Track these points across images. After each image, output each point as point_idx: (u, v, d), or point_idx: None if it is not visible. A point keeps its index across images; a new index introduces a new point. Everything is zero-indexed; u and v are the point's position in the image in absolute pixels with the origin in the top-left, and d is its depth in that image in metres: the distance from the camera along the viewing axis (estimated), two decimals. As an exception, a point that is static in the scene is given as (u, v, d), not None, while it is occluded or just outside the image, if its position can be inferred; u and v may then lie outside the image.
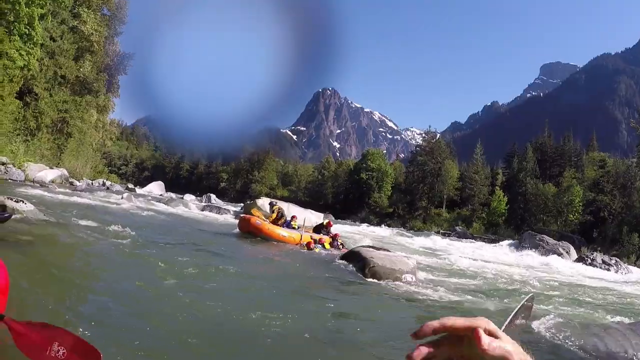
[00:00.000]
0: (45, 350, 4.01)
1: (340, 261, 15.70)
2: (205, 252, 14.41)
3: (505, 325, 3.38)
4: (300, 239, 21.21)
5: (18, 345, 4.18)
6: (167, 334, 6.01)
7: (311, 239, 21.39)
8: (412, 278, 14.68)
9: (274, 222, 22.40)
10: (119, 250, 11.50)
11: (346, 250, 18.27)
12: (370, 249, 16.17)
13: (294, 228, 22.78)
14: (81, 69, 52.50)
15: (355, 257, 15.38)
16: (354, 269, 14.63)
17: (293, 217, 24.07)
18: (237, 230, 22.55)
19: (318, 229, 23.72)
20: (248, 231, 21.47)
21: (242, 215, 24.47)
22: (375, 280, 13.65)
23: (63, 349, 3.97)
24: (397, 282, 13.70)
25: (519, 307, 3.63)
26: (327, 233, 22.90)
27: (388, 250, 17.04)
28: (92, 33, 52.22)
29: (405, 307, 10.94)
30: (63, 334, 4.08)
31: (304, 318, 8.01)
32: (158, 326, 6.15)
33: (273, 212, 23.34)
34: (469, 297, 12.71)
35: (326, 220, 25.00)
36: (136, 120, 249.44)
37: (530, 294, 3.74)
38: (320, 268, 15.06)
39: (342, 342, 6.87)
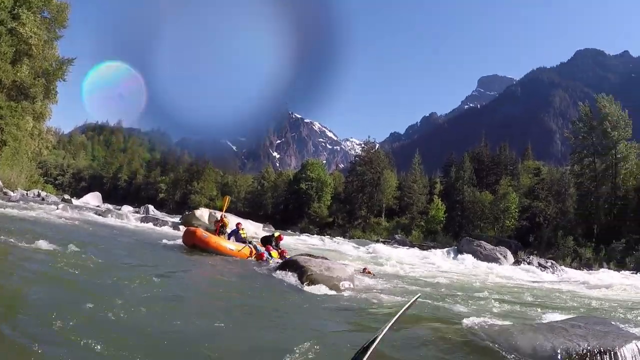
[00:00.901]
0: None
1: (278, 271, 15.63)
2: (138, 265, 14.08)
3: (389, 325, 3.48)
4: (250, 254, 20.56)
5: None
6: (94, 347, 5.97)
7: (262, 251, 20.62)
8: (349, 285, 14.82)
9: (219, 232, 21.98)
10: (47, 264, 11.17)
11: None
12: (308, 258, 16.24)
13: (243, 239, 21.95)
14: (18, 73, 51.11)
15: (292, 266, 15.44)
16: (292, 277, 14.68)
17: (238, 224, 23.50)
18: (179, 242, 21.93)
19: (267, 241, 22.31)
20: (193, 244, 20.30)
21: (187, 227, 23.33)
22: (312, 288, 13.71)
23: None
24: (334, 290, 13.82)
25: (406, 307, 3.69)
26: (277, 247, 22.04)
27: (326, 259, 17.17)
28: (31, 36, 50.81)
29: (341, 315, 10.94)
30: None
31: (240, 329, 8.04)
32: (85, 340, 6.09)
33: (217, 221, 23.02)
34: (402, 300, 12.85)
35: (277, 233, 24.06)
36: (74, 128, 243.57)
37: (418, 294, 3.86)
38: (257, 278, 15.13)
39: (277, 352, 6.90)
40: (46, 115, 59.96)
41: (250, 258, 20.28)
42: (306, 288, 13.74)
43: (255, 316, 9.86)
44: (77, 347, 5.76)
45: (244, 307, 10.57)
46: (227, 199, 26.51)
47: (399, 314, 3.42)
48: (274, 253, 21.02)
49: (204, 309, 9.57)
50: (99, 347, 5.78)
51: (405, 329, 9.12)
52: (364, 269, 20.49)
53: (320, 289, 13.74)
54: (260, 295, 12.38)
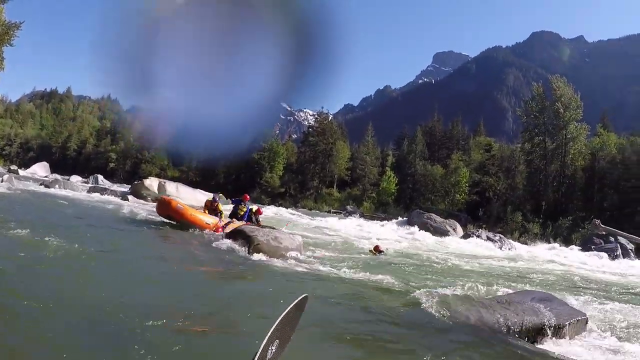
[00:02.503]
0: None
1: (225, 240, 15.28)
2: (82, 235, 13.69)
3: (270, 332, 3.14)
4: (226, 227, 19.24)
5: None
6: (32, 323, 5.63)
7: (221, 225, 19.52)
8: (297, 255, 14.82)
9: (213, 212, 20.89)
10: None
11: None
12: (255, 228, 16.08)
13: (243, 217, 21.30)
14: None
15: (239, 236, 15.16)
16: (239, 247, 14.43)
17: (258, 210, 22.81)
18: (125, 212, 22.09)
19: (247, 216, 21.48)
20: (167, 215, 19.83)
21: (162, 197, 22.61)
22: (260, 258, 13.61)
23: None
24: (281, 260, 13.76)
25: (287, 310, 3.44)
26: (257, 221, 21.22)
27: (273, 228, 16.91)
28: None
29: (286, 284, 10.88)
30: None
31: (186, 299, 7.84)
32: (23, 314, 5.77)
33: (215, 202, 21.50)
34: (350, 271, 12.94)
35: (255, 207, 23.32)
36: (22, 96, 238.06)
37: (304, 295, 3.65)
38: (204, 247, 14.86)
39: (222, 322, 6.68)
40: (-10, 83, 58.37)
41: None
42: (252, 257, 13.64)
43: (193, 284, 9.63)
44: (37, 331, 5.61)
45: (182, 276, 10.34)
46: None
47: (277, 321, 3.08)
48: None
49: (154, 280, 9.32)
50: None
51: (359, 299, 8.98)
52: (376, 247, 19.80)
53: (267, 259, 13.63)
54: (203, 264, 12.27)
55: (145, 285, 8.65)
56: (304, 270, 12.53)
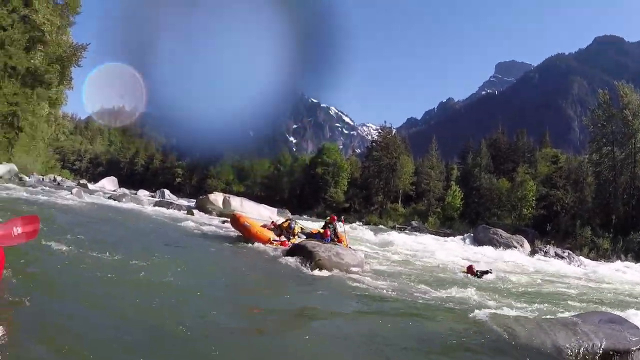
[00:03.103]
0: (10, 235, 6.43)
1: (286, 257, 15.26)
2: (146, 247, 13.92)
3: None
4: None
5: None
6: (110, 331, 5.81)
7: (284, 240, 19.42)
8: (359, 271, 14.68)
9: (282, 232, 20.43)
10: (52, 246, 11.05)
11: None
12: (317, 243, 16.02)
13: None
14: (32, 60, 51.28)
15: (301, 251, 15.15)
16: (300, 263, 14.40)
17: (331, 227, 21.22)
18: (190, 225, 22.81)
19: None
20: (237, 229, 20.52)
21: (233, 214, 22.71)
22: (320, 274, 13.60)
23: (19, 228, 6.56)
24: (343, 275, 13.69)
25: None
26: (335, 235, 20.26)
27: (336, 244, 16.96)
28: (44, 22, 50.99)
29: (346, 301, 10.81)
30: (14, 221, 6.66)
31: (246, 313, 7.94)
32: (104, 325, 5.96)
33: (284, 224, 21.65)
34: (414, 289, 12.72)
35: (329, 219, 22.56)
36: (90, 114, 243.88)
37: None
38: (265, 264, 14.86)
39: (282, 336, 6.75)
40: (62, 101, 60.14)
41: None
42: (313, 273, 13.60)
43: (261, 299, 9.78)
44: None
45: (243, 291, 10.46)
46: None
47: None
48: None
49: (214, 294, 9.36)
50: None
51: (418, 318, 8.96)
52: (470, 266, 18.78)
53: (327, 274, 13.65)
54: (268, 280, 12.31)
55: (203, 295, 8.70)
56: (364, 286, 12.37)
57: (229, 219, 23.19)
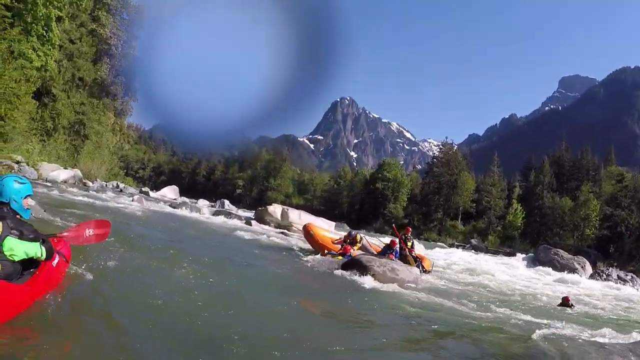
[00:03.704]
0: (82, 236, 7.13)
1: (342, 270, 15.13)
2: (199, 257, 13.93)
3: None
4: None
5: (72, 243, 7.06)
6: (166, 336, 5.86)
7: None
8: (414, 287, 14.52)
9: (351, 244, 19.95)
10: (109, 248, 11.26)
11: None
12: (372, 257, 15.93)
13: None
14: (99, 72, 52.79)
15: (356, 266, 15.02)
16: (355, 277, 14.25)
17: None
18: (246, 236, 22.91)
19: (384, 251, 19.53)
20: (308, 239, 21.65)
21: (305, 224, 23.35)
22: (374, 288, 13.41)
23: (91, 230, 7.19)
24: (397, 291, 13.48)
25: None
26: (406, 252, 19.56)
27: (391, 259, 16.85)
28: (110, 36, 52.55)
29: (400, 317, 10.67)
30: (88, 223, 7.35)
31: (300, 323, 7.89)
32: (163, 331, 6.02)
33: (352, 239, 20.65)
34: (470, 309, 12.42)
35: (390, 240, 21.27)
36: (154, 125, 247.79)
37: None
38: (320, 277, 14.79)
39: (334, 348, 6.68)
40: (127, 112, 61.74)
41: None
42: (367, 287, 13.39)
43: (316, 312, 9.74)
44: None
45: (300, 304, 10.39)
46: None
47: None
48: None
49: (271, 305, 9.35)
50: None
51: (474, 338, 8.82)
52: (565, 298, 17.02)
53: (380, 289, 13.46)
54: (323, 294, 12.20)
55: (254, 303, 8.72)
56: (417, 302, 12.20)
57: (287, 230, 23.71)
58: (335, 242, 20.59)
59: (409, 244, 19.81)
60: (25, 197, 5.92)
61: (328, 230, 24.60)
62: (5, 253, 5.41)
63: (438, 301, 12.79)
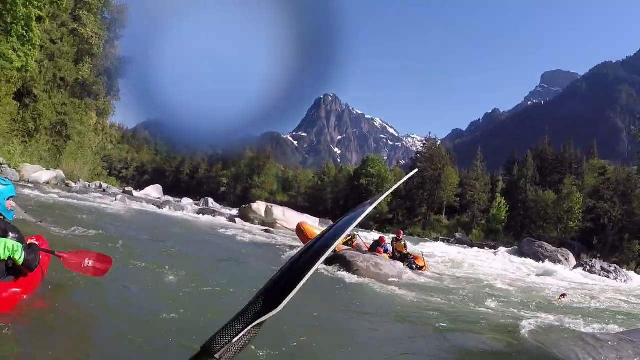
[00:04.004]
0: (80, 264, 6.77)
1: (325, 265, 15.24)
2: (183, 256, 13.93)
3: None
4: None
5: (65, 265, 6.82)
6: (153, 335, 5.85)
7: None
8: (397, 281, 14.55)
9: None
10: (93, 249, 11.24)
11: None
12: (356, 253, 16.01)
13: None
14: (81, 72, 52.45)
15: (339, 261, 15.16)
16: (337, 272, 14.41)
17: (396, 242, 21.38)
18: (230, 232, 23.13)
19: (377, 244, 20.27)
20: (301, 238, 21.58)
21: (299, 223, 23.60)
22: (358, 283, 13.47)
23: (90, 261, 6.78)
24: (380, 285, 13.46)
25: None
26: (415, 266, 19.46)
27: (375, 254, 16.89)
28: (92, 36, 52.21)
29: (383, 312, 10.71)
30: (87, 253, 7.01)
31: (281, 321, 7.87)
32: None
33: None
34: (454, 302, 12.49)
35: (379, 236, 22.66)
36: (137, 124, 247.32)
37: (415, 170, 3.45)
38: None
39: (315, 346, 6.71)
40: (109, 112, 61.61)
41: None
42: (352, 283, 13.48)
43: (292, 310, 9.69)
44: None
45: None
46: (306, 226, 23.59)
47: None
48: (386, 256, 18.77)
49: (239, 295, 9.35)
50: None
51: (458, 331, 8.89)
52: (563, 295, 16.69)
53: (364, 284, 13.52)
54: (304, 290, 12.15)
55: (236, 301, 8.77)
56: (401, 296, 12.24)
57: (271, 227, 23.88)
58: None
59: (402, 244, 19.99)
60: (7, 199, 5.90)
61: (320, 228, 24.75)
62: None
63: (422, 295, 12.75)
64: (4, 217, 5.86)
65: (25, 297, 5.91)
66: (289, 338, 6.63)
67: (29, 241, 6.37)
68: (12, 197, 5.99)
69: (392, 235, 26.57)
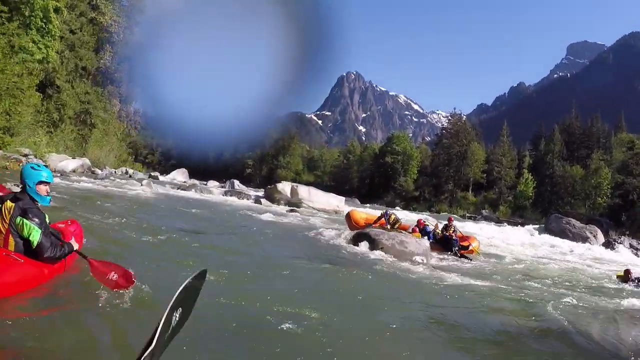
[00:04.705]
0: (106, 274, 6.49)
1: (351, 243, 15.42)
2: (207, 237, 14.03)
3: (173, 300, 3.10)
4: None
5: (91, 272, 6.66)
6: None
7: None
8: (422, 260, 14.48)
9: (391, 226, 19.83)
10: (118, 232, 11.29)
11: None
12: (381, 230, 16.01)
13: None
14: (102, 60, 52.83)
15: (365, 238, 15.21)
16: (363, 249, 14.50)
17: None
18: (254, 214, 23.64)
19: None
20: (349, 225, 21.15)
21: (348, 212, 23.37)
22: (383, 261, 13.43)
23: (116, 275, 6.44)
24: (406, 264, 13.48)
25: (187, 281, 3.44)
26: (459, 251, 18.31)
27: (400, 232, 16.82)
28: (111, 24, 52.40)
29: (407, 288, 10.67)
30: (116, 267, 6.63)
31: (308, 299, 7.84)
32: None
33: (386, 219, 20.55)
34: (479, 282, 12.32)
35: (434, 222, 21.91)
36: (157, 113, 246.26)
37: (203, 269, 3.45)
38: (329, 251, 14.70)
39: (338, 322, 6.64)
40: (133, 98, 61.53)
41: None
42: (377, 260, 13.45)
43: (325, 284, 9.79)
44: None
45: (316, 274, 10.65)
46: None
47: (179, 290, 3.13)
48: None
49: (282, 276, 9.49)
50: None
51: (482, 311, 8.79)
52: (627, 271, 16.05)
53: (389, 261, 13.49)
54: (332, 265, 12.05)
55: (265, 280, 8.77)
56: (426, 275, 12.30)
57: (296, 207, 24.24)
58: (374, 224, 20.26)
59: (451, 230, 19.45)
60: (37, 183, 6.28)
61: (368, 213, 24.63)
62: (18, 231, 6.01)
63: (443, 276, 12.63)
64: (36, 201, 6.30)
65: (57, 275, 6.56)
66: (303, 316, 6.61)
67: (61, 225, 7.28)
68: (42, 181, 6.35)
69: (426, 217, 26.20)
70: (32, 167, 6.37)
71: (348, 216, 22.00)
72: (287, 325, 6.12)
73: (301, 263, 11.83)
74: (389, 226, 19.23)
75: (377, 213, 23.92)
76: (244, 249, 12.39)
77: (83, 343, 5.06)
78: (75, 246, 6.98)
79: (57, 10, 40.83)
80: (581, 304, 9.96)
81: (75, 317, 5.63)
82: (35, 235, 6.06)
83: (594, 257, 25.83)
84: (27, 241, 6.08)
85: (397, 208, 62.48)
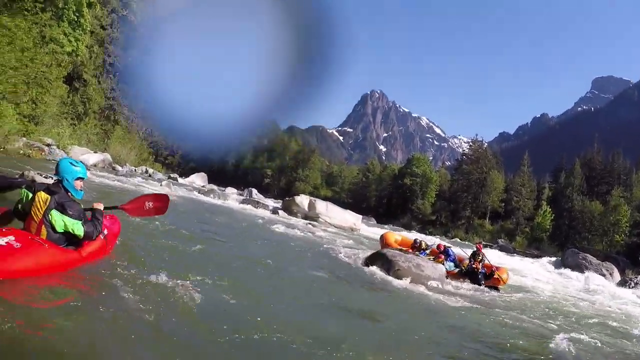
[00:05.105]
0: (142, 207, 7.62)
1: (365, 265, 15.17)
2: (224, 244, 14.14)
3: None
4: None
5: (130, 214, 7.85)
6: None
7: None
8: (438, 285, 14.33)
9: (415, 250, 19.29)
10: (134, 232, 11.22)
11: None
12: (397, 252, 15.80)
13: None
14: (129, 58, 52.99)
15: (380, 260, 15.01)
16: (378, 271, 14.27)
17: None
18: (270, 226, 22.94)
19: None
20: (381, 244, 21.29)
21: (383, 234, 22.84)
22: (398, 283, 13.33)
23: (150, 203, 7.59)
24: (421, 288, 13.35)
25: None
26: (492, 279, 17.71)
27: (418, 255, 16.69)
28: (140, 23, 52.71)
29: (421, 313, 10.63)
30: (147, 196, 7.79)
31: (319, 317, 7.82)
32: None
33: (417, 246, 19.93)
34: (492, 310, 12.26)
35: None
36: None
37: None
38: (344, 269, 14.53)
39: (351, 342, 6.50)
40: (154, 100, 61.83)
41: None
42: (393, 283, 13.35)
43: (335, 304, 9.60)
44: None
45: (328, 295, 10.33)
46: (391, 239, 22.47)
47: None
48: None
49: (293, 296, 9.24)
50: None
51: (488, 342, 8.62)
52: None
53: (405, 284, 13.37)
54: (346, 285, 12.09)
55: (276, 292, 8.69)
56: (440, 300, 12.14)
57: (314, 221, 24.30)
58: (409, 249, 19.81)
59: (478, 259, 18.95)
60: (76, 179, 6.80)
61: (403, 235, 24.42)
62: (52, 223, 6.42)
63: (459, 300, 12.64)
64: (72, 195, 6.78)
65: (84, 264, 6.75)
66: (314, 335, 6.49)
67: (95, 206, 7.39)
68: (80, 178, 6.89)
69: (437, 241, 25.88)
70: (70, 163, 6.79)
71: (382, 237, 21.86)
72: (292, 338, 6.12)
73: (314, 278, 11.78)
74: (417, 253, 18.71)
75: (411, 236, 23.91)
76: (258, 259, 12.29)
77: (95, 333, 5.01)
78: (100, 207, 7.35)
79: (90, 4, 41.22)
80: (602, 346, 9.77)
81: (93, 305, 5.61)
82: (80, 229, 6.57)
83: (611, 295, 25.49)
84: (62, 233, 6.49)
85: (413, 231, 62.21)
